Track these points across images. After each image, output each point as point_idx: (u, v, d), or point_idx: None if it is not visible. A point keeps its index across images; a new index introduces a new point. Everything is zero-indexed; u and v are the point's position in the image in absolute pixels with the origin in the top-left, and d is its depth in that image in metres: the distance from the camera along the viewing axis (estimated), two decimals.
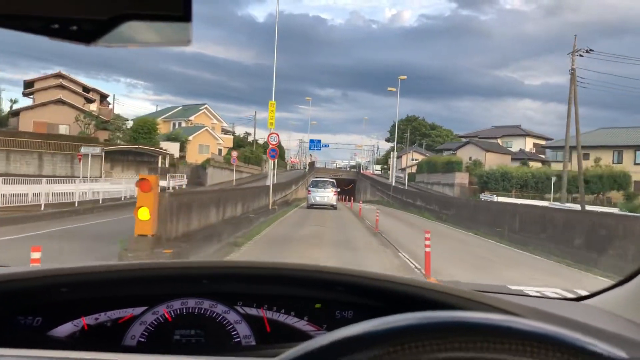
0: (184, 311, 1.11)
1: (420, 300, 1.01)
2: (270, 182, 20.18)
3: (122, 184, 27.35)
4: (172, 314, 1.11)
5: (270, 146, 19.46)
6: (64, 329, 1.07)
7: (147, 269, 1.12)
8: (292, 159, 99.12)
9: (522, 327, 0.37)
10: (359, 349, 0.37)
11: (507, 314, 0.60)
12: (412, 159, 79.90)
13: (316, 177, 29.95)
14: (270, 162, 20.59)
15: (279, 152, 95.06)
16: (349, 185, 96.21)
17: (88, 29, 0.46)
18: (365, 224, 19.52)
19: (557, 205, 26.37)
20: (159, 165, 35.45)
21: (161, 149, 36.08)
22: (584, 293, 1.41)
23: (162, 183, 30.93)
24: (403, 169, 77.95)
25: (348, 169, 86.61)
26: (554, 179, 37.53)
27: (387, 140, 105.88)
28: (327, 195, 24.95)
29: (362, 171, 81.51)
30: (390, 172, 47.79)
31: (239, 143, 60.56)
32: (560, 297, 1.52)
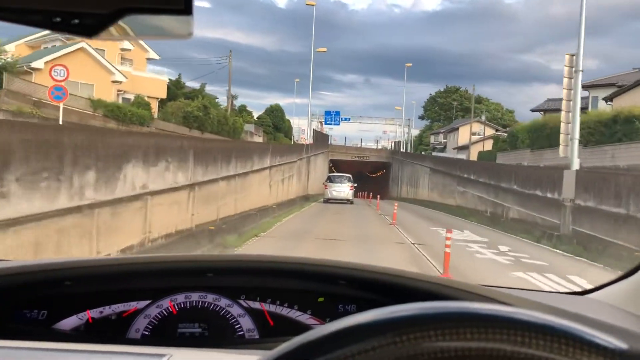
0: (188, 305, 1.11)
1: (424, 294, 1.00)
2: None
3: None
4: (176, 307, 1.11)
5: None
6: (69, 322, 1.08)
7: (151, 262, 1.15)
8: (303, 138, 70.71)
9: (524, 317, 0.37)
10: (362, 338, 0.37)
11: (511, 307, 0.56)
12: (477, 134, 52.08)
13: (333, 168, 27.48)
14: None
15: (283, 128, 66.18)
16: (377, 172, 68.48)
17: (89, 23, 0.46)
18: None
19: None
20: None
21: None
22: (588, 287, 1.37)
23: None
24: (461, 148, 50.09)
25: (378, 147, 58.48)
26: None
27: (421, 118, 78.84)
28: (344, 190, 24.68)
29: (402, 149, 53.37)
30: (571, 127, 18.53)
31: (187, 95, 32.99)
32: (565, 291, 1.42)
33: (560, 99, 15.29)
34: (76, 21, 0.45)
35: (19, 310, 1.08)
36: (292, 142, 57.48)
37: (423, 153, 57.29)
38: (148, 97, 26.22)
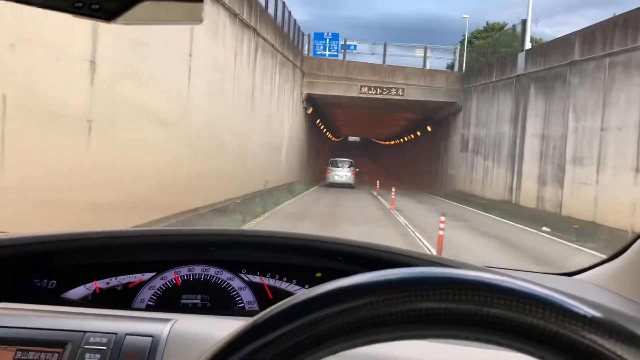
0: (191, 277, 1.16)
1: None
2: None
3: None
4: (180, 279, 1.16)
5: None
6: (77, 292, 1.12)
7: (156, 235, 1.21)
8: None
9: (508, 284, 0.39)
10: (347, 299, 0.39)
11: None
12: None
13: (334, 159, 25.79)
14: None
15: None
16: (406, 135, 36.84)
17: (109, 8, 0.50)
18: None
19: None
20: None
21: None
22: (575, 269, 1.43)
23: None
24: None
25: (425, 69, 24.06)
26: None
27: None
28: (345, 174, 24.20)
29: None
30: None
31: None
32: (552, 272, 1.50)
33: None
34: (97, 6, 0.49)
35: (29, 279, 1.12)
36: None
37: None
38: None
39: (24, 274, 1.12)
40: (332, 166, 24.82)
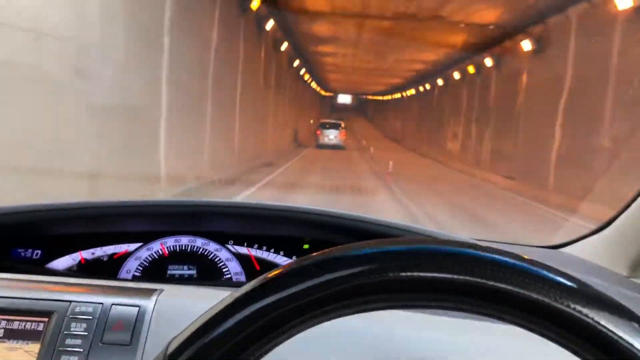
0: (178, 248, 1.16)
1: None
2: None
3: None
4: (166, 250, 1.17)
5: None
6: (62, 262, 1.13)
7: (142, 205, 1.20)
8: None
9: (500, 257, 0.40)
10: (346, 267, 0.40)
11: None
12: None
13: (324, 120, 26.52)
14: None
15: None
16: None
17: None
18: None
19: None
20: None
21: None
22: (560, 242, 1.41)
23: None
24: None
25: None
26: None
27: None
28: (335, 136, 24.92)
29: None
30: None
31: None
32: (537, 245, 1.50)
33: None
34: None
35: (14, 249, 1.12)
36: None
37: None
38: None
39: (8, 244, 1.12)
40: (322, 129, 25.32)
